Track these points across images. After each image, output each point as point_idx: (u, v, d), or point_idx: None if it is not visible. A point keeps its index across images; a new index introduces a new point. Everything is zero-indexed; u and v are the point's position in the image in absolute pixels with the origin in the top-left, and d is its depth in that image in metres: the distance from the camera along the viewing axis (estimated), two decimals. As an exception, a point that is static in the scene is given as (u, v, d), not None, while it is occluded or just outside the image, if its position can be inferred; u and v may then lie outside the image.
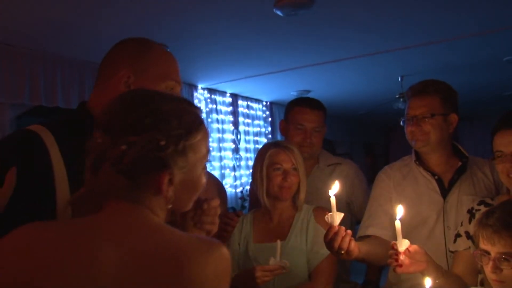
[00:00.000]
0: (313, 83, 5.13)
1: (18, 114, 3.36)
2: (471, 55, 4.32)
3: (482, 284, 1.59)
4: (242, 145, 5.56)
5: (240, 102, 5.59)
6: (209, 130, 1.08)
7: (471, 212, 1.71)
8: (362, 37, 3.54)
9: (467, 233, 1.69)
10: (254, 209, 2.18)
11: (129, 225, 0.93)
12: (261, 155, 2.06)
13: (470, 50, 4.13)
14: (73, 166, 1.16)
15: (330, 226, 1.60)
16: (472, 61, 4.55)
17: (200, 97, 4.83)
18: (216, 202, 1.25)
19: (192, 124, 0.98)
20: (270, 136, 6.09)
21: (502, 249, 1.37)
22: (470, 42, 3.84)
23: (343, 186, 2.39)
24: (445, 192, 1.94)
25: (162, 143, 0.92)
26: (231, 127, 5.35)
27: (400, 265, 1.53)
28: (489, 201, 1.70)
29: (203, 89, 4.92)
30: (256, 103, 5.95)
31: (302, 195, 2.02)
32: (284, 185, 1.97)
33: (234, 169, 5.34)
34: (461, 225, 1.74)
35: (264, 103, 6.11)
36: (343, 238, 1.59)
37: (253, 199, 2.55)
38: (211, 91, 5.05)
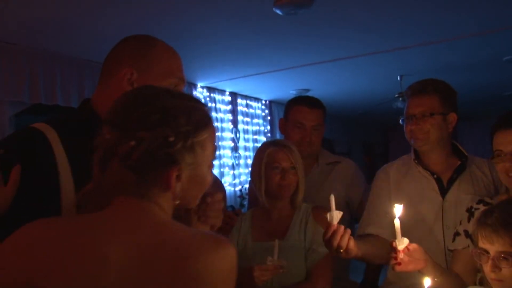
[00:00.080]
0: (312, 82, 5.13)
1: (17, 112, 3.36)
2: (471, 55, 4.33)
3: (481, 283, 1.59)
4: (241, 143, 5.57)
5: (239, 100, 5.59)
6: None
7: (470, 211, 1.71)
8: (362, 37, 3.54)
9: (466, 232, 1.69)
10: (253, 208, 2.18)
11: (137, 221, 0.93)
12: (259, 154, 2.06)
13: (470, 50, 4.14)
14: (77, 164, 1.17)
15: (329, 225, 1.60)
16: (472, 61, 4.55)
17: (199, 96, 4.82)
18: (219, 196, 1.26)
19: (200, 121, 0.99)
20: (269, 134, 6.09)
21: (501, 248, 1.37)
22: (469, 42, 3.84)
23: (342, 184, 2.40)
24: (444, 191, 1.94)
25: (171, 139, 0.92)
26: (230, 125, 5.35)
27: (399, 263, 1.54)
28: (488, 200, 1.70)
29: (203, 87, 4.92)
30: (255, 101, 5.95)
31: (300, 194, 2.02)
32: (283, 184, 1.97)
33: (233, 167, 5.34)
34: (460, 224, 1.74)
35: (263, 102, 6.12)
36: (342, 236, 1.59)
37: (252, 197, 2.56)
38: (210, 89, 5.05)
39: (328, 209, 1.62)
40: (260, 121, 6.02)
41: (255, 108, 5.94)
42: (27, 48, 3.28)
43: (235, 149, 5.41)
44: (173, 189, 0.95)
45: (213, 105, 5.08)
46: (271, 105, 6.22)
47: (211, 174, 1.06)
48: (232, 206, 4.93)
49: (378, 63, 4.42)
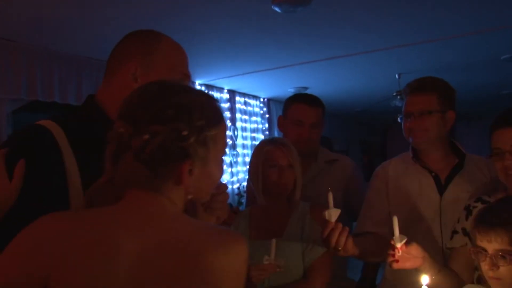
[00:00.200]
0: (310, 80, 5.13)
1: (14, 109, 3.36)
2: (469, 54, 4.33)
3: (478, 281, 1.60)
4: (239, 141, 5.56)
5: (237, 98, 5.59)
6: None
7: (468, 209, 1.71)
8: (360, 35, 3.54)
9: (463, 229, 1.69)
10: (251, 206, 2.18)
11: (149, 214, 0.94)
12: (257, 152, 2.06)
13: (468, 49, 4.14)
14: (83, 160, 1.16)
15: (327, 223, 1.59)
16: (470, 59, 4.56)
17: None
18: (224, 187, 1.26)
19: (213, 117, 1.00)
20: (267, 132, 6.09)
21: (499, 246, 1.37)
22: (467, 41, 3.84)
23: (341, 182, 2.40)
24: (442, 189, 1.94)
25: (185, 133, 0.93)
26: (228, 123, 5.35)
27: (397, 261, 1.54)
28: (486, 198, 1.70)
29: (201, 85, 4.91)
30: (253, 99, 5.95)
31: (298, 192, 2.02)
32: (280, 182, 1.97)
33: (231, 165, 5.34)
34: (458, 221, 1.74)
35: (262, 100, 6.12)
36: (340, 234, 1.59)
37: (250, 195, 2.55)
38: (208, 87, 5.04)
39: (326, 207, 1.62)
40: (258, 119, 6.02)
41: (253, 106, 5.94)
42: (25, 45, 3.27)
43: (233, 147, 5.41)
44: (185, 183, 0.95)
45: (211, 102, 5.06)
46: (269, 103, 6.22)
47: (222, 169, 1.07)
48: (230, 204, 4.93)
49: (376, 61, 4.42)
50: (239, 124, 5.56)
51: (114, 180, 0.98)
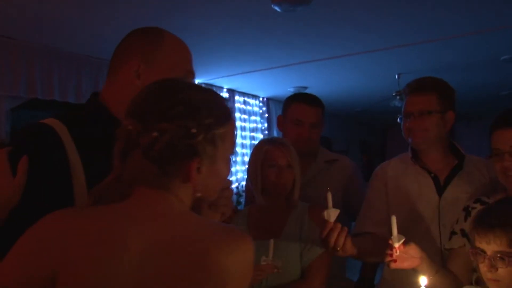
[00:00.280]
0: (310, 79, 5.13)
1: (13, 107, 3.35)
2: (468, 54, 4.33)
3: (477, 282, 1.59)
4: (238, 140, 5.56)
5: (237, 97, 5.59)
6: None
7: (467, 210, 1.71)
8: (360, 35, 3.54)
9: (462, 230, 1.69)
10: (249, 205, 2.18)
11: (157, 212, 0.94)
12: (256, 151, 2.05)
13: (468, 49, 4.14)
14: (88, 158, 1.16)
15: (326, 223, 1.59)
16: (469, 60, 4.56)
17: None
18: (228, 183, 1.26)
19: (222, 115, 1.00)
20: (266, 132, 6.09)
21: (498, 248, 1.37)
22: (467, 41, 3.84)
23: (340, 182, 2.40)
24: (441, 189, 1.94)
25: (193, 130, 0.93)
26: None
27: (394, 260, 1.54)
28: (485, 199, 1.70)
29: (200, 84, 4.90)
30: (253, 98, 5.94)
31: (296, 192, 2.01)
32: (279, 182, 1.97)
33: (230, 164, 5.33)
34: (457, 222, 1.74)
35: (261, 99, 6.11)
36: (339, 234, 1.59)
37: (249, 195, 2.55)
38: (207, 86, 5.02)
39: (325, 207, 1.61)
40: (258, 118, 6.02)
41: (252, 105, 5.94)
42: (25, 42, 3.27)
43: (232, 146, 5.40)
44: (193, 181, 0.96)
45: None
46: (268, 102, 6.21)
47: (229, 168, 1.07)
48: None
49: (376, 61, 4.42)
50: (238, 123, 5.56)
51: (122, 178, 0.99)
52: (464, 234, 1.68)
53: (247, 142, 5.73)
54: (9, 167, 1.09)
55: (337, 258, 1.88)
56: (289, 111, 2.47)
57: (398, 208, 1.94)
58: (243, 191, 4.71)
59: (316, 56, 4.14)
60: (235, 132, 1.07)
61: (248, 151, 5.58)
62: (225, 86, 5.30)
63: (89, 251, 0.87)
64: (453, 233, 1.74)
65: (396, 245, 1.53)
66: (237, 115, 5.57)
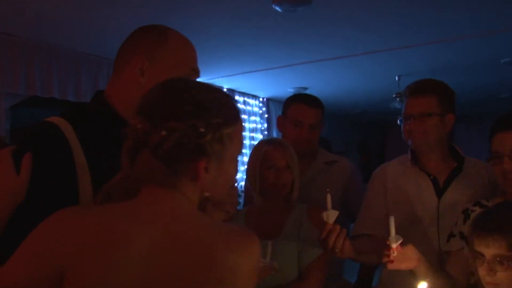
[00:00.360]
0: (310, 80, 5.13)
1: (13, 105, 3.35)
2: (469, 56, 4.33)
3: (475, 286, 1.59)
4: (238, 140, 5.55)
5: (236, 97, 5.59)
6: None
7: (466, 213, 1.70)
8: (361, 36, 3.53)
9: (461, 233, 1.68)
10: (248, 206, 2.18)
11: (165, 210, 0.94)
12: (255, 152, 2.05)
13: (468, 51, 4.14)
14: (93, 156, 1.16)
15: (325, 224, 1.59)
16: (469, 62, 4.56)
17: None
18: (234, 181, 1.26)
19: (230, 115, 1.00)
20: (266, 132, 6.08)
21: (497, 251, 1.36)
22: (468, 43, 3.84)
23: (339, 184, 2.40)
24: (440, 192, 1.93)
25: (202, 130, 0.93)
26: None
27: (392, 261, 1.54)
28: (484, 202, 1.69)
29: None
30: (252, 99, 5.94)
31: (295, 193, 2.01)
32: (277, 183, 1.96)
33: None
34: (456, 225, 1.73)
35: (261, 99, 6.11)
36: (338, 236, 1.58)
37: (247, 195, 2.55)
38: (208, 86, 5.03)
39: (324, 209, 1.61)
40: (257, 118, 6.02)
41: (252, 106, 5.93)
42: (24, 40, 3.26)
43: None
44: (201, 181, 0.96)
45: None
46: (268, 102, 6.21)
47: (237, 167, 1.08)
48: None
49: (376, 62, 4.42)
50: (238, 123, 5.55)
51: (130, 176, 0.99)
52: (462, 236, 1.67)
53: (247, 142, 5.73)
54: (13, 166, 1.09)
55: (335, 259, 1.87)
56: (289, 112, 2.47)
57: (397, 209, 1.93)
58: (242, 192, 4.71)
59: (316, 57, 4.14)
60: (243, 132, 1.07)
61: (247, 151, 5.57)
62: (225, 86, 5.29)
63: (96, 250, 0.87)
64: (451, 235, 1.73)
65: (394, 245, 1.53)
66: (237, 115, 5.56)
